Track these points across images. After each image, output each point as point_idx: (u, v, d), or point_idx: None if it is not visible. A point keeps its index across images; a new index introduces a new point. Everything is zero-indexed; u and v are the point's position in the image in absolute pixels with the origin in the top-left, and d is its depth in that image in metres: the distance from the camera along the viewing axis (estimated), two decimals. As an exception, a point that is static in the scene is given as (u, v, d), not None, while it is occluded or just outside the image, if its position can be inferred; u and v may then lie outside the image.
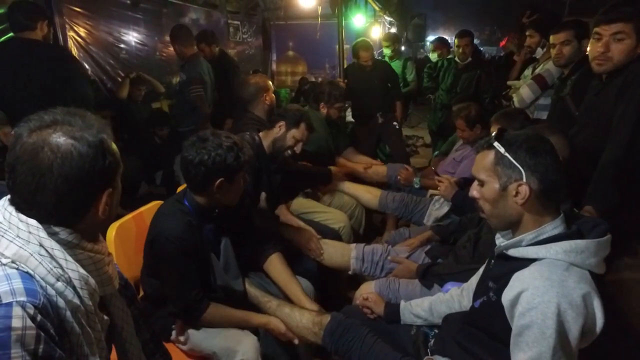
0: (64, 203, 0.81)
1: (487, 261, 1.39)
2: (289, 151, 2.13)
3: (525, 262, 1.09)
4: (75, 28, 4.12)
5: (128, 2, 4.82)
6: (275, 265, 1.78)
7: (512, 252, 1.14)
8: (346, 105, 3.57)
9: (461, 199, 2.33)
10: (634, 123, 1.69)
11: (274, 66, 8.81)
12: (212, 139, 1.47)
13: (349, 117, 4.42)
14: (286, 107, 2.21)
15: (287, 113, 2.13)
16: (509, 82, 3.33)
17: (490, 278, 1.22)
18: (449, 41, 5.03)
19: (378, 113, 4.10)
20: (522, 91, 3.01)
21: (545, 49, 3.01)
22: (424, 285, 1.80)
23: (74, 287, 0.81)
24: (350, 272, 2.08)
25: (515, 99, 3.06)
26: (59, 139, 0.79)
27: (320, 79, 8.43)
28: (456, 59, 4.14)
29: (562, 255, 1.04)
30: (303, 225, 2.18)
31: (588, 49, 1.78)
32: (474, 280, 1.50)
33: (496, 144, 1.12)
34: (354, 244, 2.09)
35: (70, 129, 0.81)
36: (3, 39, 3.06)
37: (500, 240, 1.24)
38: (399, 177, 3.09)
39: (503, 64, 4.49)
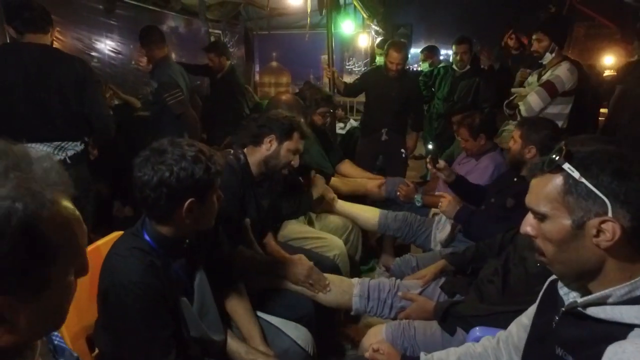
0: None
1: (536, 309, 1.09)
2: (286, 169, 1.81)
3: (619, 329, 0.78)
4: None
5: (101, 7, 4.48)
6: (235, 304, 1.47)
7: (595, 312, 0.83)
8: (336, 111, 3.26)
9: (466, 216, 2.05)
10: None
11: (256, 77, 8.54)
12: (172, 150, 1.16)
13: (342, 127, 4.11)
14: (269, 115, 1.83)
15: (274, 123, 1.77)
16: (513, 90, 3.09)
17: (557, 342, 0.91)
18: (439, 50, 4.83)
19: (384, 129, 3.54)
20: (530, 99, 2.77)
21: (554, 54, 2.78)
22: (444, 330, 1.49)
23: None
24: (352, 313, 1.76)
25: (522, 107, 2.82)
26: None
27: (305, 90, 8.19)
28: (454, 66, 3.91)
29: None
30: (292, 258, 1.81)
31: None
32: (515, 330, 1.20)
33: (567, 165, 0.82)
34: (357, 279, 1.77)
35: None
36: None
37: (564, 291, 0.94)
38: (398, 193, 2.81)
39: (500, 72, 4.29)
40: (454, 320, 1.48)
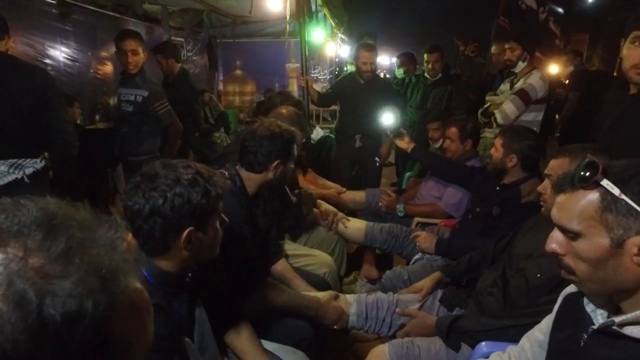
0: None
1: (552, 325, 1.06)
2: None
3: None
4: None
5: (55, 11, 4.21)
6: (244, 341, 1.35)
7: (635, 332, 0.80)
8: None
9: (445, 246, 2.07)
10: None
11: (220, 86, 8.37)
12: (165, 174, 1.03)
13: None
14: (267, 139, 1.61)
15: (274, 149, 1.59)
16: (487, 98, 3.15)
17: (590, 362, 0.88)
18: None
19: (357, 135, 3.49)
20: (506, 107, 2.82)
21: (526, 62, 2.85)
22: (449, 347, 1.44)
23: None
24: (349, 330, 1.68)
25: (498, 115, 2.87)
26: None
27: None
28: (426, 74, 3.95)
29: None
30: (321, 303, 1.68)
31: (624, 54, 1.54)
32: (529, 346, 1.17)
33: (605, 182, 0.78)
34: (353, 297, 1.69)
35: None
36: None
37: (591, 307, 0.91)
38: (380, 204, 2.77)
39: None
40: (457, 336, 1.43)
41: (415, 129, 4.03)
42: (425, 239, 2.09)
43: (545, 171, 1.46)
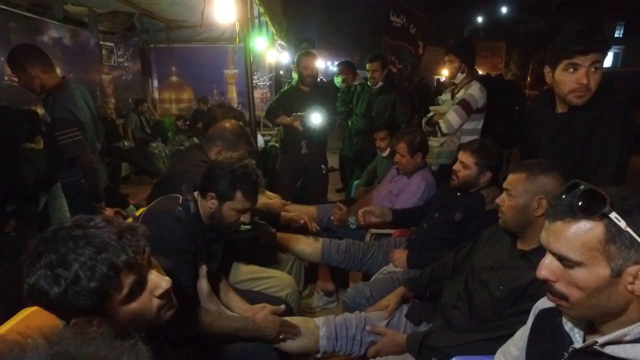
0: None
1: (528, 340, 1.08)
2: (236, 227, 1.60)
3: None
4: None
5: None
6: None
7: (616, 351, 0.82)
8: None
9: (415, 259, 2.10)
10: (616, 162, 1.59)
11: (155, 93, 7.96)
12: (50, 249, 0.78)
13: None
14: (214, 163, 1.53)
15: (215, 178, 1.48)
16: (430, 108, 3.25)
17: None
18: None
19: (303, 141, 3.43)
20: (450, 117, 2.92)
21: (464, 74, 2.98)
22: (420, 364, 1.44)
23: None
24: (319, 356, 1.62)
25: (442, 124, 2.96)
26: None
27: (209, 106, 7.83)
28: (369, 83, 4.02)
29: None
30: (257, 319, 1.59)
31: (558, 79, 1.63)
32: (504, 362, 1.19)
33: (614, 214, 0.77)
34: (321, 319, 1.64)
35: None
36: None
37: (569, 326, 0.93)
38: (332, 219, 2.75)
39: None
40: (429, 353, 1.44)
41: (360, 137, 4.09)
42: (399, 258, 2.09)
43: (504, 185, 1.50)
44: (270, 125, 8.18)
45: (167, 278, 0.91)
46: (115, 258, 0.79)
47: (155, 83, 7.90)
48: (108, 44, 6.18)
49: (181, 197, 1.52)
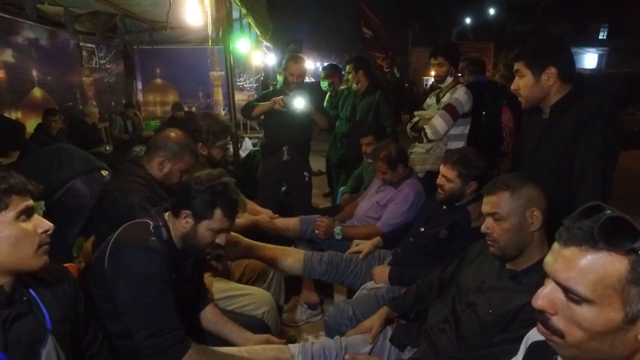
0: None
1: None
2: (209, 249, 1.48)
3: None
4: None
5: None
6: None
7: None
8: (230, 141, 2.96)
9: (397, 275, 2.01)
10: (602, 165, 1.54)
11: (139, 96, 7.78)
12: None
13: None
14: (189, 179, 1.43)
15: (191, 194, 1.37)
16: (416, 113, 3.15)
17: None
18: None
19: (284, 147, 3.29)
20: (435, 122, 2.83)
21: (452, 78, 2.89)
22: (404, 395, 1.34)
23: None
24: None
25: (428, 130, 2.87)
26: None
27: (194, 109, 7.67)
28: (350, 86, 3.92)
29: None
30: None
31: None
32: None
33: None
34: (297, 346, 1.52)
35: None
36: None
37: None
38: (317, 232, 2.64)
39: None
40: (412, 383, 1.34)
41: (344, 141, 3.99)
42: (380, 274, 2.01)
43: (486, 211, 1.39)
44: (257, 128, 8.07)
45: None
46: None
47: (140, 85, 7.72)
48: (89, 45, 6.00)
49: (152, 223, 1.40)
